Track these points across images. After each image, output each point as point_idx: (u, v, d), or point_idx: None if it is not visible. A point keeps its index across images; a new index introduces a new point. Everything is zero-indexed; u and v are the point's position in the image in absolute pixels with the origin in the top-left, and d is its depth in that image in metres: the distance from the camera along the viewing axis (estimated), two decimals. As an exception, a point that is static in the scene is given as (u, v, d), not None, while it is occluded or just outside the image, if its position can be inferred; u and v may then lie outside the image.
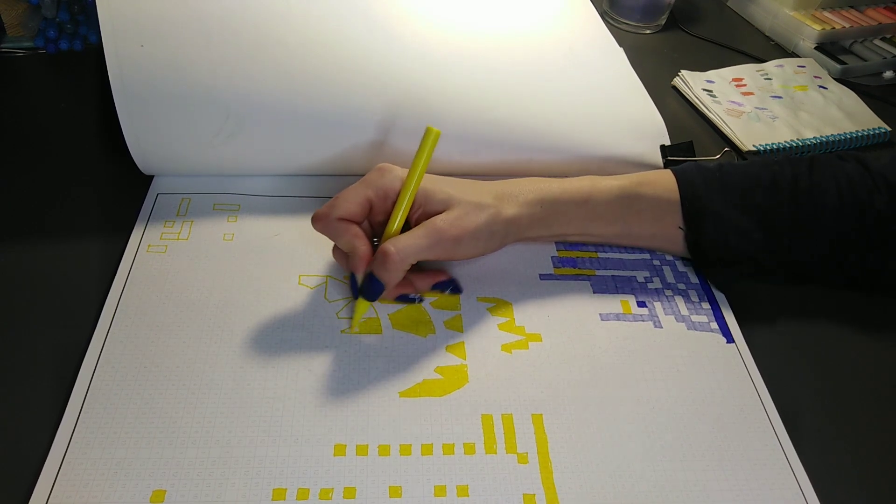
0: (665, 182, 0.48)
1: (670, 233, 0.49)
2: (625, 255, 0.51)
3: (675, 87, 0.72)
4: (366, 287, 0.42)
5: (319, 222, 0.42)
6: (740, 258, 0.47)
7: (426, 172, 0.43)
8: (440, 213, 0.43)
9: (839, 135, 0.65)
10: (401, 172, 0.43)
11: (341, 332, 0.43)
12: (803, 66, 0.75)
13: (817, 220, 0.47)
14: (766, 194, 0.47)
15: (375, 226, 0.45)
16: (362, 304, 0.43)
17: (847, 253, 0.47)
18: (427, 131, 0.42)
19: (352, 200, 0.42)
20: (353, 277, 0.43)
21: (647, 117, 0.58)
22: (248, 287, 0.45)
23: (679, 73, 0.72)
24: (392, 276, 0.41)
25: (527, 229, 0.47)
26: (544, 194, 0.46)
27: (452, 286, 0.46)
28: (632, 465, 0.39)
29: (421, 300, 0.46)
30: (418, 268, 0.45)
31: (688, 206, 0.47)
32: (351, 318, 0.44)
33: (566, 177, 0.48)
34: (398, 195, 0.42)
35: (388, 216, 0.43)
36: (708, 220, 0.47)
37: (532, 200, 0.46)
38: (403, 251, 0.40)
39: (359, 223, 0.43)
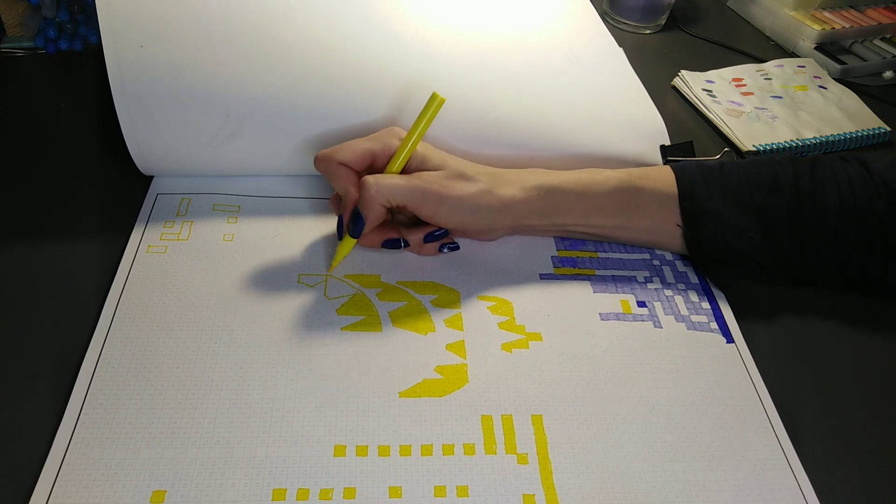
0: (664, 177, 0.48)
1: (669, 228, 0.49)
2: (625, 255, 0.51)
3: (674, 87, 0.72)
4: (350, 223, 0.44)
5: (321, 163, 0.45)
6: (739, 257, 0.47)
7: (428, 142, 0.45)
8: None
9: (839, 135, 0.65)
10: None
11: (341, 329, 0.43)
12: (803, 66, 0.75)
13: (817, 222, 0.46)
14: (767, 194, 0.47)
15: None
16: (345, 245, 0.46)
17: (847, 256, 0.47)
18: (432, 97, 0.44)
19: (355, 149, 0.44)
20: (340, 219, 0.46)
21: (646, 117, 0.58)
22: (247, 287, 0.45)
23: (679, 73, 0.72)
24: (369, 208, 0.43)
25: (523, 216, 0.47)
26: (543, 182, 0.47)
27: (448, 244, 0.48)
28: (631, 465, 0.39)
29: (407, 245, 0.47)
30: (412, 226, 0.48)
31: (686, 203, 0.47)
32: (333, 257, 0.47)
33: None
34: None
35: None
36: (706, 219, 0.47)
37: (530, 187, 0.46)
38: (382, 185, 0.42)
39: (357, 172, 0.45)
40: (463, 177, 0.45)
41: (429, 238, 0.47)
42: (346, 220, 0.45)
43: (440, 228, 0.47)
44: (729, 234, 0.47)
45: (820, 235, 0.47)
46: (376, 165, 0.45)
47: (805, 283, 0.49)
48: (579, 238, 0.52)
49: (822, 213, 0.46)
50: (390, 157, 0.45)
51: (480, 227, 0.46)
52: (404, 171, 0.45)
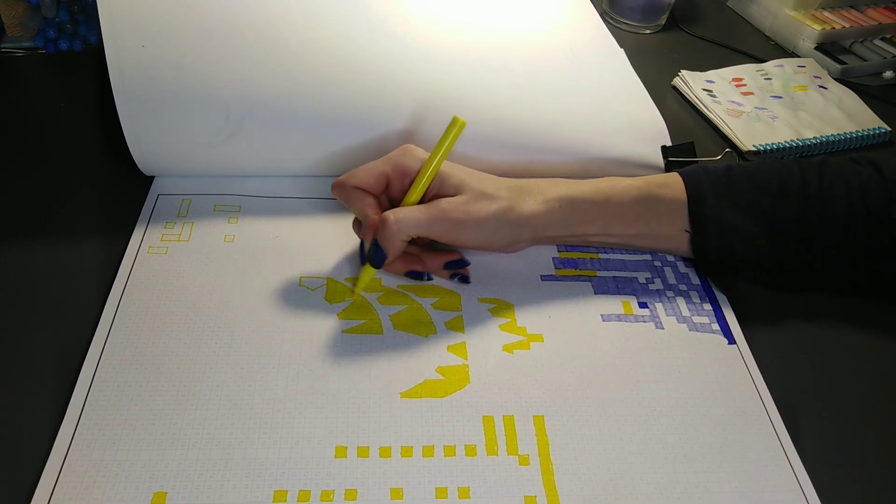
0: (678, 184, 0.48)
1: (683, 235, 0.48)
2: (626, 256, 0.51)
3: (675, 87, 0.72)
4: (371, 253, 0.43)
5: (337, 189, 0.45)
6: (745, 264, 0.47)
7: (447, 159, 0.45)
8: (452, 196, 0.44)
9: (839, 135, 0.65)
10: (422, 154, 0.44)
11: (342, 332, 0.43)
12: (803, 66, 0.75)
13: (826, 228, 0.46)
14: (774, 200, 0.46)
15: (394, 202, 0.46)
16: (368, 272, 0.45)
17: (855, 261, 0.46)
18: (453, 120, 0.44)
19: (369, 172, 0.44)
20: (361, 244, 0.45)
21: (647, 118, 0.58)
22: (248, 288, 0.45)
23: (679, 73, 0.72)
24: (390, 244, 0.42)
25: (544, 228, 0.47)
26: (563, 193, 0.46)
27: (461, 275, 0.47)
28: (633, 466, 0.39)
29: (430, 279, 0.47)
30: (433, 248, 0.47)
31: (694, 209, 0.47)
32: (356, 282, 0.46)
33: (567, 178, 0.48)
34: (416, 175, 0.44)
35: (405, 194, 0.44)
36: (712, 226, 0.47)
37: (551, 198, 0.46)
38: (402, 221, 0.42)
39: (374, 195, 0.44)
40: (484, 197, 0.44)
41: (448, 266, 0.46)
42: (366, 248, 0.44)
43: (461, 258, 0.47)
44: (736, 240, 0.46)
45: (828, 241, 0.46)
46: (392, 187, 0.45)
47: (815, 289, 0.49)
48: (598, 247, 0.51)
49: (831, 218, 0.46)
50: (404, 178, 0.44)
51: (502, 243, 0.46)
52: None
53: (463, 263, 0.47)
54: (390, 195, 0.46)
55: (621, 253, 0.51)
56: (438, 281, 0.47)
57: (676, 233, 0.48)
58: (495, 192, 0.44)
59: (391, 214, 0.42)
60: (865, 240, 0.46)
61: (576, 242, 0.50)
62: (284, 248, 0.48)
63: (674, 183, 0.48)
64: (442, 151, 0.43)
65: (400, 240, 0.42)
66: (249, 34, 0.49)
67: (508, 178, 0.47)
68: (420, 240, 0.46)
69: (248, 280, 0.45)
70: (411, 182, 0.44)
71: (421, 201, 0.44)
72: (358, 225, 0.46)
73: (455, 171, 0.45)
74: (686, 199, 0.47)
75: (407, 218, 0.42)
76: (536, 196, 0.46)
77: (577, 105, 0.57)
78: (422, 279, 0.47)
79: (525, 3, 0.66)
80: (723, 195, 0.47)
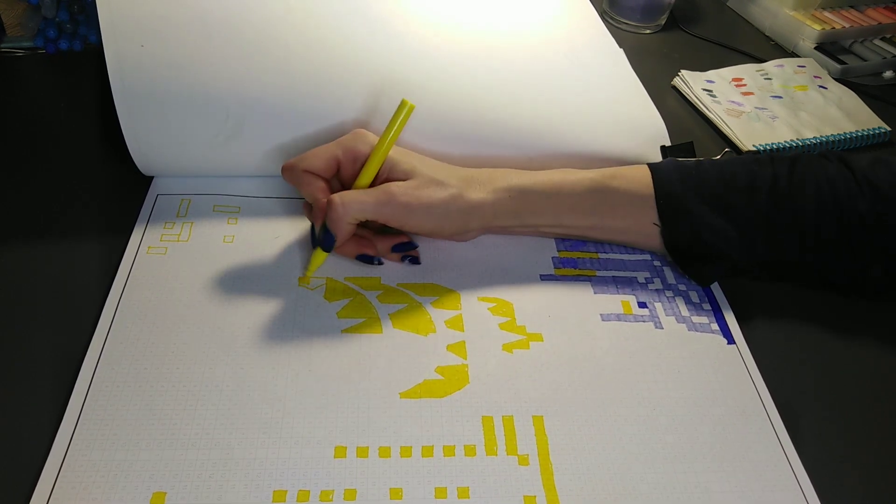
0: (639, 177, 0.48)
1: (646, 228, 0.48)
2: (625, 256, 0.51)
3: (675, 87, 0.72)
4: (321, 236, 0.44)
5: (287, 172, 0.45)
6: (716, 256, 0.47)
7: (399, 145, 0.45)
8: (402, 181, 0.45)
9: (839, 135, 0.65)
10: (373, 139, 0.45)
11: (342, 331, 0.43)
12: (803, 66, 0.75)
13: (795, 224, 0.46)
14: (743, 195, 0.46)
15: (345, 187, 0.46)
16: (319, 256, 0.45)
17: (826, 257, 0.47)
18: (402, 104, 0.44)
19: (320, 156, 0.44)
20: (312, 228, 0.45)
21: (647, 118, 0.58)
22: (248, 289, 0.45)
23: (679, 73, 0.72)
24: (337, 227, 0.43)
25: (494, 218, 0.47)
26: (513, 184, 0.47)
27: (410, 256, 0.48)
28: (633, 466, 0.39)
29: (381, 263, 0.47)
30: (384, 233, 0.48)
31: (663, 203, 0.47)
32: (307, 267, 0.46)
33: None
34: (367, 159, 0.44)
35: (356, 178, 0.45)
36: (682, 219, 0.47)
37: (500, 188, 0.46)
38: (348, 204, 0.42)
39: (325, 179, 0.45)
40: (434, 183, 0.44)
41: (396, 248, 0.47)
42: (317, 231, 0.44)
43: (409, 241, 0.47)
44: (706, 233, 0.46)
45: (797, 236, 0.46)
46: (343, 171, 0.45)
47: (789, 280, 0.49)
48: (555, 237, 0.51)
49: (800, 213, 0.46)
50: (355, 162, 0.44)
51: (451, 230, 0.46)
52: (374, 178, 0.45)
53: (410, 246, 0.47)
54: (342, 179, 0.46)
55: (621, 252, 0.51)
56: (438, 279, 0.47)
57: (633, 226, 0.48)
58: (445, 180, 0.45)
59: (338, 197, 0.42)
60: (835, 234, 0.46)
61: (530, 233, 0.50)
62: (284, 249, 0.48)
63: (634, 175, 0.48)
64: (391, 135, 0.44)
65: (347, 222, 0.43)
66: (249, 34, 0.49)
67: (463, 168, 0.47)
68: (371, 224, 0.47)
69: (247, 280, 0.45)
70: (362, 166, 0.44)
71: (371, 186, 0.45)
72: (308, 208, 0.47)
73: (406, 157, 0.45)
74: (651, 191, 0.47)
75: (354, 200, 0.42)
76: (486, 185, 0.46)
77: (576, 105, 0.56)
78: (372, 263, 0.47)
79: (524, 2, 0.65)
80: (691, 189, 0.47)
